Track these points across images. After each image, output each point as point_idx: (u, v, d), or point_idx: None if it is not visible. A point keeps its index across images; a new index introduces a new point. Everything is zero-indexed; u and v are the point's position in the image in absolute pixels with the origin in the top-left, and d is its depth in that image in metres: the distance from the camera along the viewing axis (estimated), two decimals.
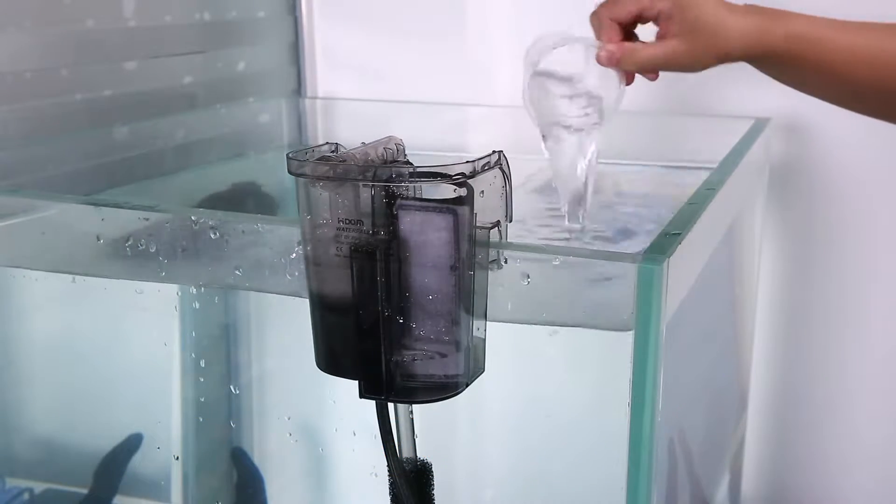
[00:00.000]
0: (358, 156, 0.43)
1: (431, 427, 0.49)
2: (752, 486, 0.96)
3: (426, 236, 0.41)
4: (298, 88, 1.03)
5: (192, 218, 0.51)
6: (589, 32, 0.70)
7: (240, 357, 0.68)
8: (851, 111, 0.67)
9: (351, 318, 0.43)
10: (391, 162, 0.44)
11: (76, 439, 0.71)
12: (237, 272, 0.51)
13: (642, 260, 0.42)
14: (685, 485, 0.62)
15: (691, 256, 0.49)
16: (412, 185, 0.41)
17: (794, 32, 0.61)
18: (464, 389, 0.44)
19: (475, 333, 0.44)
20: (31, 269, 0.61)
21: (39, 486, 0.71)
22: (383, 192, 0.41)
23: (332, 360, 0.45)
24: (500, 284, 0.44)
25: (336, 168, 0.41)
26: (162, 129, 0.84)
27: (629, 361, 0.43)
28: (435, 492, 0.47)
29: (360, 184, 0.41)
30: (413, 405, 0.45)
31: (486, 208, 0.43)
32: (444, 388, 0.43)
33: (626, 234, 0.73)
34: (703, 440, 0.72)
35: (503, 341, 0.45)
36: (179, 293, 0.61)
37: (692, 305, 0.52)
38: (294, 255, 0.48)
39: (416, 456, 0.47)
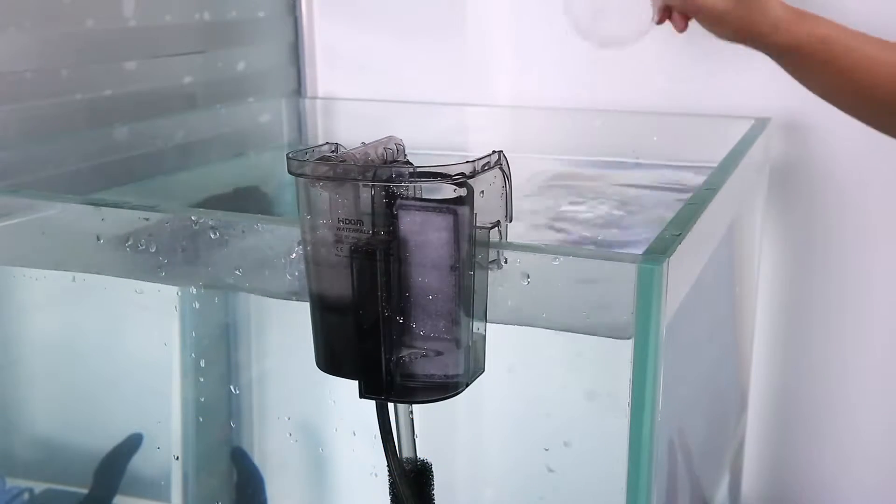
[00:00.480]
0: (358, 156, 0.43)
1: (431, 427, 0.49)
2: (752, 486, 0.96)
3: (426, 236, 0.41)
4: (298, 88, 1.03)
5: (192, 218, 0.51)
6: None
7: (240, 357, 0.68)
8: (866, 124, 0.68)
9: (351, 318, 0.43)
10: (391, 162, 0.44)
11: (76, 439, 0.71)
12: (237, 272, 0.51)
13: (642, 260, 0.42)
14: (685, 485, 0.62)
15: (691, 256, 0.49)
16: (412, 185, 0.41)
17: (819, 33, 0.65)
18: (464, 389, 0.44)
19: (475, 333, 0.44)
20: (32, 268, 0.61)
21: (39, 486, 0.71)
22: (383, 192, 0.41)
23: (332, 360, 0.45)
24: (500, 284, 0.44)
25: (336, 168, 0.41)
26: (162, 129, 0.84)
27: (629, 361, 0.43)
28: (435, 492, 0.47)
29: (360, 184, 0.41)
30: (413, 405, 0.45)
31: (486, 208, 0.43)
32: (444, 388, 0.43)
33: (625, 233, 0.73)
34: (703, 440, 0.72)
35: (503, 341, 0.45)
36: (179, 293, 0.61)
37: (692, 305, 0.52)
38: (294, 255, 0.48)
39: (416, 456, 0.47)
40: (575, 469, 0.58)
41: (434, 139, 0.94)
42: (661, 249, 0.43)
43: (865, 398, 0.91)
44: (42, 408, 0.71)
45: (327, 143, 0.44)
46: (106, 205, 0.53)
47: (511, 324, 0.45)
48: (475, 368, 0.44)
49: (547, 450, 0.59)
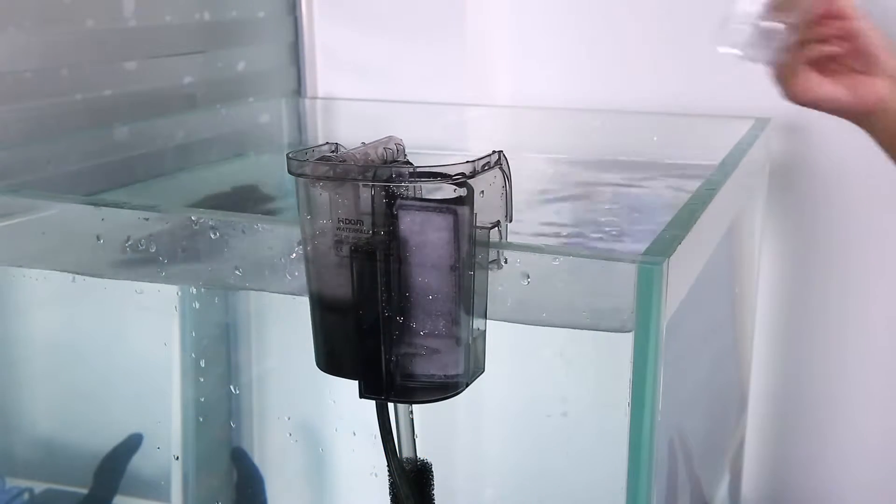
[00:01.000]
0: (358, 156, 0.43)
1: (431, 427, 0.49)
2: (752, 486, 0.96)
3: (426, 236, 0.41)
4: (298, 88, 1.03)
5: (192, 218, 0.51)
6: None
7: (240, 357, 0.68)
8: None
9: (351, 318, 0.43)
10: (391, 162, 0.44)
11: (76, 439, 0.71)
12: (237, 272, 0.51)
13: (642, 260, 0.42)
14: (685, 485, 0.62)
15: (691, 256, 0.49)
16: (412, 185, 0.41)
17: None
18: (464, 389, 0.44)
19: (475, 333, 0.44)
20: (32, 268, 0.61)
21: (39, 486, 0.71)
22: (383, 192, 0.41)
23: (332, 360, 0.45)
24: (500, 284, 0.44)
25: (336, 168, 0.41)
26: (162, 129, 0.84)
27: (629, 361, 0.43)
28: (435, 492, 0.47)
29: (360, 184, 0.41)
30: (413, 405, 0.45)
31: (486, 208, 0.43)
32: (444, 388, 0.43)
33: (625, 233, 0.73)
34: (703, 440, 0.72)
35: (503, 341, 0.45)
36: (179, 293, 0.61)
37: (692, 305, 0.52)
38: (294, 255, 0.48)
39: (416, 456, 0.47)
40: (575, 469, 0.58)
41: (434, 139, 0.94)
42: (661, 249, 0.43)
43: (866, 398, 0.91)
44: (42, 408, 0.71)
45: (327, 143, 0.44)
46: (106, 205, 0.53)
47: (511, 323, 0.45)
48: (475, 368, 0.44)
49: (547, 449, 0.59)
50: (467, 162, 0.41)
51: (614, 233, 0.74)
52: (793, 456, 0.95)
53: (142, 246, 0.52)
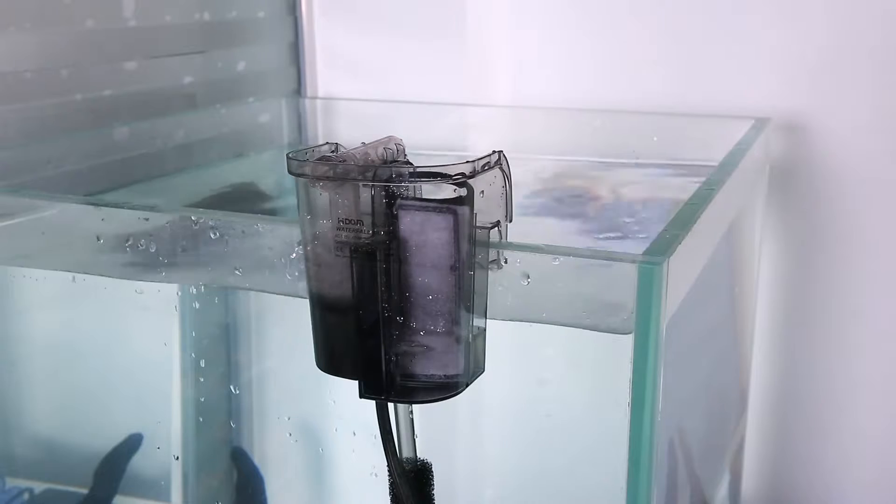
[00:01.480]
0: (358, 156, 0.43)
1: (431, 427, 0.49)
2: (752, 486, 0.96)
3: (426, 236, 0.41)
4: (298, 88, 1.03)
5: (192, 218, 0.51)
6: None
7: (240, 357, 0.68)
8: None
9: (351, 318, 0.43)
10: (391, 162, 0.44)
11: (76, 439, 0.71)
12: (237, 272, 0.51)
13: (642, 260, 0.42)
14: (685, 485, 0.62)
15: (691, 256, 0.49)
16: (412, 185, 0.41)
17: None
18: (464, 389, 0.44)
19: (475, 333, 0.44)
20: (32, 268, 0.61)
21: (39, 486, 0.71)
22: (383, 192, 0.41)
23: (332, 360, 0.45)
24: (500, 284, 0.44)
25: (336, 168, 0.41)
26: (162, 129, 0.84)
27: (629, 361, 0.43)
28: (435, 492, 0.47)
29: (360, 184, 0.41)
30: (413, 405, 0.45)
31: (486, 208, 0.43)
32: (444, 388, 0.43)
33: (625, 233, 0.73)
34: (703, 440, 0.72)
35: (503, 341, 0.45)
36: (179, 293, 0.61)
37: (692, 305, 0.52)
38: (294, 255, 0.48)
39: (416, 456, 0.47)
40: (575, 469, 0.58)
41: (434, 139, 0.94)
42: (661, 249, 0.43)
43: (867, 398, 0.91)
44: (42, 408, 0.71)
45: (327, 143, 0.44)
46: (106, 205, 0.53)
47: (511, 323, 0.45)
48: (475, 368, 0.44)
49: (547, 449, 0.59)
50: (467, 162, 0.41)
51: (614, 232, 0.74)
52: (793, 456, 0.95)
53: (142, 246, 0.52)
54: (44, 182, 0.72)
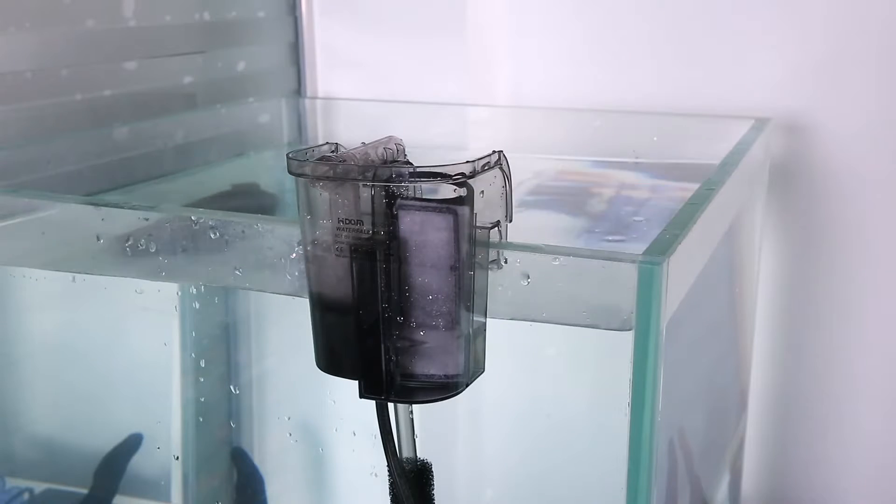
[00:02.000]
0: (358, 156, 0.43)
1: (431, 427, 0.49)
2: (752, 486, 0.96)
3: (426, 236, 0.41)
4: (298, 88, 1.03)
5: (192, 218, 0.51)
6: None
7: (240, 357, 0.68)
8: None
9: (351, 318, 0.43)
10: (391, 162, 0.44)
11: (76, 439, 0.71)
12: (237, 272, 0.51)
13: (642, 260, 0.42)
14: (685, 485, 0.62)
15: (691, 256, 0.49)
16: (412, 185, 0.41)
17: None
18: (464, 389, 0.44)
19: (475, 333, 0.44)
20: (32, 268, 0.61)
21: (39, 486, 0.71)
22: (383, 192, 0.41)
23: (332, 360, 0.45)
24: (500, 284, 0.44)
25: (336, 168, 0.41)
26: (162, 129, 0.84)
27: (629, 361, 0.43)
28: (435, 492, 0.47)
29: (360, 184, 0.41)
30: (413, 405, 0.45)
31: (486, 208, 0.43)
32: (444, 389, 0.43)
33: (625, 233, 0.73)
34: (703, 440, 0.72)
35: (503, 341, 0.45)
36: (179, 293, 0.61)
37: (692, 305, 0.52)
38: (294, 255, 0.48)
39: (416, 456, 0.47)
40: (575, 469, 0.58)
41: (434, 139, 0.94)
42: (661, 249, 0.43)
43: (867, 398, 0.91)
44: (42, 408, 0.71)
45: (327, 143, 0.44)
46: (106, 205, 0.53)
47: (511, 323, 0.45)
48: (475, 368, 0.44)
49: (547, 449, 0.59)
50: (467, 162, 0.41)
51: (614, 233, 0.74)
52: (793, 456, 0.95)
53: (142, 246, 0.52)
54: (44, 182, 0.72)
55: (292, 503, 0.68)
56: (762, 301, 0.91)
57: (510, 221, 0.45)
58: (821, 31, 0.84)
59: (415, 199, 0.41)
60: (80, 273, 0.57)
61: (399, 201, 0.41)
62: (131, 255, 0.52)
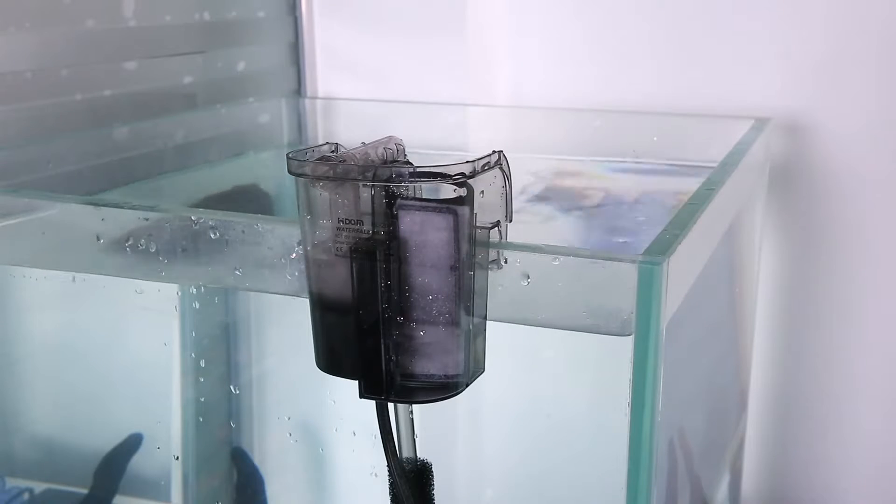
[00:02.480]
0: (358, 156, 0.43)
1: (431, 427, 0.49)
2: (752, 486, 0.96)
3: (426, 236, 0.41)
4: (298, 88, 1.03)
5: (192, 218, 0.51)
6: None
7: (240, 357, 0.68)
8: None
9: (351, 319, 0.43)
10: (391, 162, 0.44)
11: (76, 439, 0.71)
12: (237, 272, 0.51)
13: (642, 260, 0.42)
14: (685, 485, 0.62)
15: (691, 256, 0.49)
16: (412, 185, 0.41)
17: None
18: (464, 389, 0.44)
19: (475, 333, 0.44)
20: (32, 268, 0.61)
21: (39, 486, 0.71)
22: (383, 192, 0.41)
23: (332, 360, 0.45)
24: (500, 284, 0.44)
25: (336, 168, 0.41)
26: (162, 129, 0.84)
27: (629, 361, 0.43)
28: (435, 492, 0.47)
29: (360, 184, 0.41)
30: (413, 405, 0.45)
31: (486, 208, 0.43)
32: (444, 389, 0.43)
33: (625, 233, 0.73)
34: (703, 440, 0.72)
35: (503, 341, 0.45)
36: (179, 293, 0.61)
37: (692, 305, 0.52)
38: (294, 255, 0.48)
39: (416, 456, 0.47)
40: (575, 469, 0.58)
41: (434, 139, 0.94)
42: (661, 249, 0.43)
43: (867, 398, 0.91)
44: (42, 408, 0.71)
45: (327, 143, 0.44)
46: (106, 205, 0.53)
47: (511, 323, 0.45)
48: (475, 368, 0.44)
49: (547, 449, 0.59)
50: (467, 162, 0.41)
51: (614, 233, 0.74)
52: (793, 456, 0.95)
53: (142, 246, 0.52)
54: (44, 182, 0.72)
55: (292, 503, 0.68)
56: (762, 301, 0.91)
57: (510, 221, 0.45)
58: (821, 31, 0.84)
59: (415, 199, 0.41)
60: (80, 273, 0.57)
61: (399, 201, 0.41)
62: (131, 254, 0.52)
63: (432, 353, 0.42)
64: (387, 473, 0.46)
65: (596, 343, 0.45)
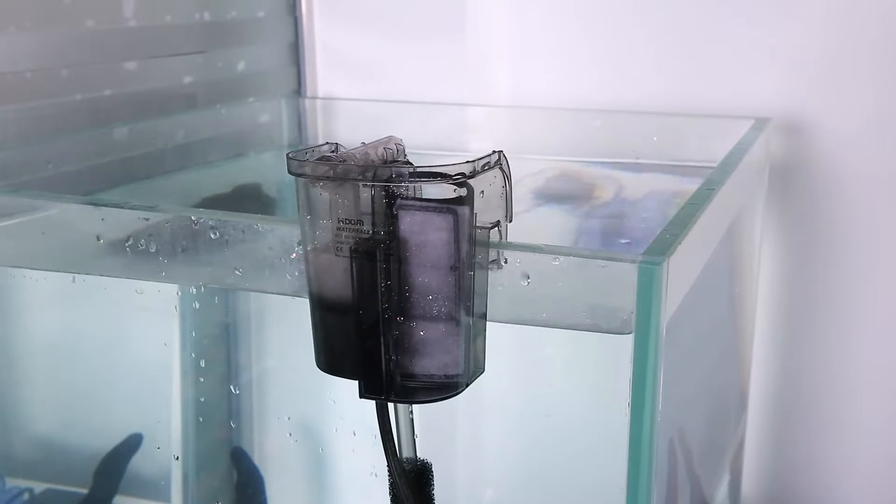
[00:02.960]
0: (358, 156, 0.43)
1: (431, 427, 0.49)
2: (752, 486, 0.96)
3: (426, 236, 0.41)
4: (298, 88, 1.03)
5: (192, 218, 0.51)
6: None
7: (240, 357, 0.68)
8: None
9: (351, 319, 0.43)
10: (391, 162, 0.44)
11: (76, 439, 0.71)
12: (237, 272, 0.51)
13: (642, 260, 0.42)
14: (685, 485, 0.62)
15: (691, 256, 0.49)
16: (412, 185, 0.41)
17: None
18: (464, 389, 0.44)
19: (475, 333, 0.44)
20: (32, 268, 0.61)
21: (39, 486, 0.71)
22: (383, 192, 0.41)
23: (332, 360, 0.45)
24: (500, 284, 0.44)
25: (336, 168, 0.41)
26: (162, 129, 0.84)
27: (629, 361, 0.43)
28: (435, 492, 0.47)
29: (360, 184, 0.41)
30: (413, 405, 0.45)
31: (486, 208, 0.43)
32: (444, 389, 0.43)
33: (625, 233, 0.73)
34: (703, 440, 0.72)
35: (503, 341, 0.45)
36: (179, 293, 0.61)
37: (692, 305, 0.52)
38: (294, 255, 0.48)
39: (416, 456, 0.47)
40: (575, 469, 0.58)
41: (434, 139, 0.94)
42: (661, 249, 0.43)
43: (867, 398, 0.91)
44: (42, 408, 0.71)
45: (327, 143, 0.44)
46: (106, 205, 0.53)
47: (511, 323, 0.45)
48: (475, 368, 0.44)
49: (547, 449, 0.59)
50: (467, 162, 0.41)
51: (614, 233, 0.74)
52: (793, 456, 0.95)
53: (142, 246, 0.52)
54: (44, 182, 0.72)
55: (292, 503, 0.68)
56: (762, 301, 0.91)
57: (510, 221, 0.45)
58: (821, 31, 0.84)
59: (415, 199, 0.41)
60: (80, 273, 0.57)
61: (399, 201, 0.41)
62: (131, 255, 0.52)
63: (432, 352, 0.42)
64: (387, 473, 0.46)
65: (596, 343, 0.45)
